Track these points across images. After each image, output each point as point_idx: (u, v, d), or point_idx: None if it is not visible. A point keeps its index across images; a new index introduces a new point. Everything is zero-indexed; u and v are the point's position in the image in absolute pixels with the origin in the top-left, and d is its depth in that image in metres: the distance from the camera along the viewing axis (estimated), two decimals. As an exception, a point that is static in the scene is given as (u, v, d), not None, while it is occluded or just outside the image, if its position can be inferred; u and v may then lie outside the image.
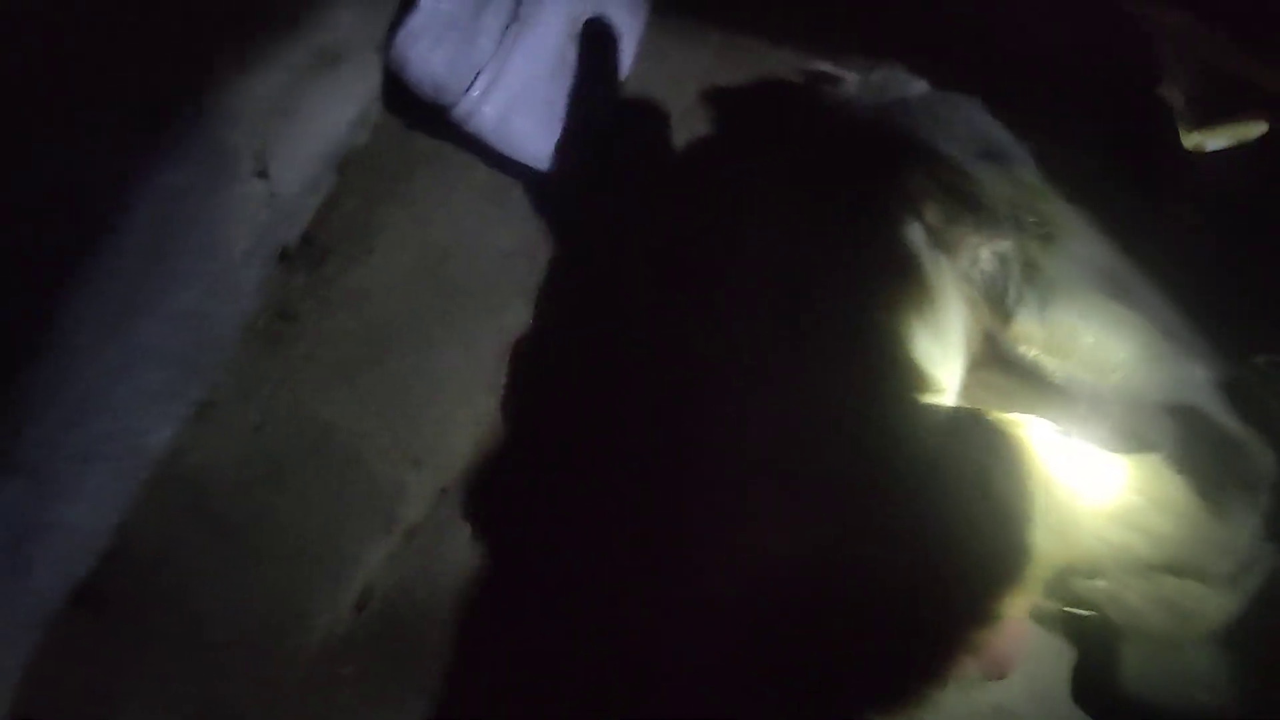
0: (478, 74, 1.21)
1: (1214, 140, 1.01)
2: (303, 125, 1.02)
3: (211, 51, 0.79)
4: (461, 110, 1.20)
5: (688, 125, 1.40)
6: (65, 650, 0.85)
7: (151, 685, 0.86)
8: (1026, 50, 1.46)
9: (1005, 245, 1.06)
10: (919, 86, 1.28)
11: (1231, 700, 1.00)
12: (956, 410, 0.98)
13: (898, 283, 1.00)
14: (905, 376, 0.97)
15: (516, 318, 1.15)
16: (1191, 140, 0.98)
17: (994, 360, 1.10)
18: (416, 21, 1.19)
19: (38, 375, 0.72)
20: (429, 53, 1.20)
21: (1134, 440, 1.11)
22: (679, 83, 1.45)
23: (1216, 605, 1.04)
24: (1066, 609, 1.07)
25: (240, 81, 0.85)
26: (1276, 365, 1.24)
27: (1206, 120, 1.01)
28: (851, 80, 1.29)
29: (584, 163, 1.29)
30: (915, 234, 1.04)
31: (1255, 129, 1.04)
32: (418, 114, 1.23)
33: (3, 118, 0.60)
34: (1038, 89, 1.43)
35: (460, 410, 1.07)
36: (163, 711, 0.85)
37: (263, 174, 0.93)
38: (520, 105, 1.24)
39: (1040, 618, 1.08)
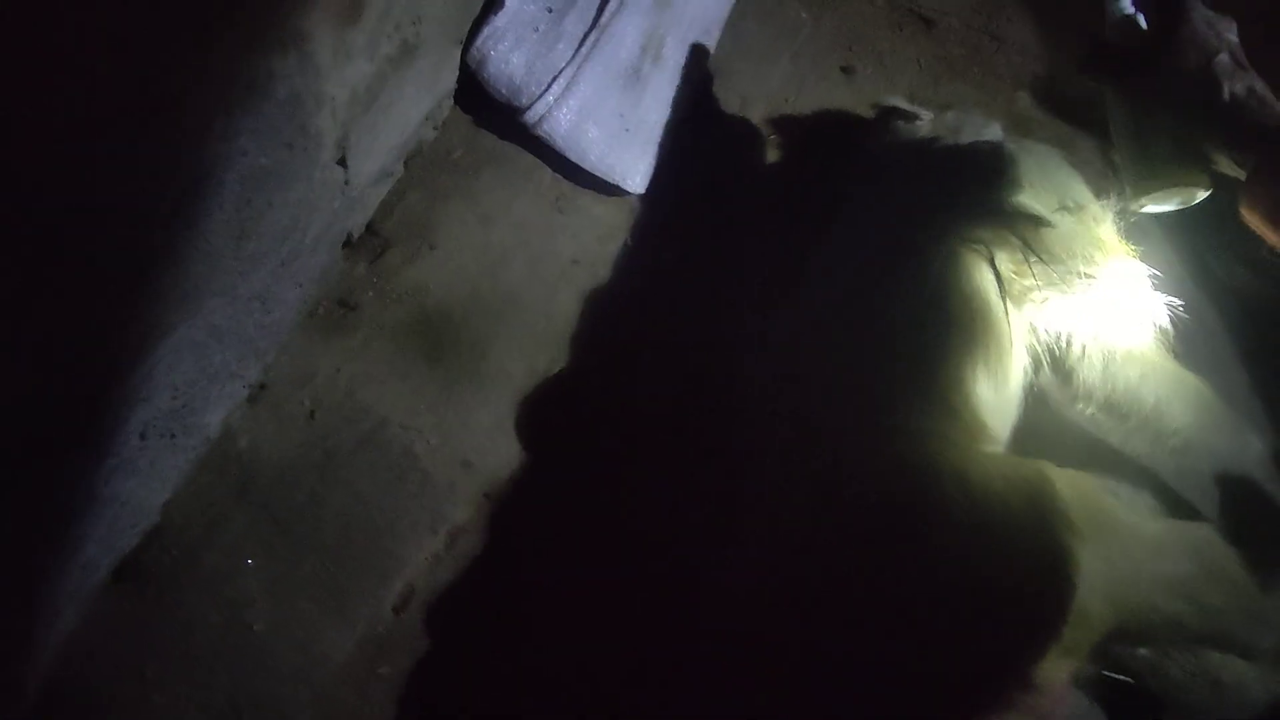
0: (554, 79, 1.21)
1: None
2: (382, 116, 1.01)
3: (305, 35, 0.78)
4: (534, 114, 1.20)
5: (757, 147, 1.40)
6: (104, 624, 0.83)
7: (185, 666, 0.84)
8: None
9: (1062, 291, 1.05)
10: (994, 130, 1.28)
11: (1268, 781, 0.98)
12: (1010, 459, 0.97)
13: (965, 327, 0.99)
14: (960, 421, 0.96)
15: (573, 327, 1.15)
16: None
17: (1051, 415, 1.10)
18: (500, 20, 1.19)
19: (110, 347, 0.71)
20: (509, 53, 1.19)
21: (1178, 505, 1.10)
22: (748, 104, 1.45)
23: (1260, 684, 1.03)
24: (1105, 674, 1.05)
25: (332, 68, 0.85)
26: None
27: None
28: (926, 118, 1.28)
29: (650, 177, 1.29)
30: (987, 280, 1.03)
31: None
32: (489, 114, 1.23)
33: (98, 84, 0.59)
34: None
35: (511, 416, 1.06)
36: (194, 692, 0.84)
37: (342, 162, 0.92)
38: (592, 114, 1.24)
39: (1077, 680, 1.07)
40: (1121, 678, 1.04)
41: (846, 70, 1.51)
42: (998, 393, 1.03)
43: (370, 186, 1.06)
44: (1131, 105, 1.01)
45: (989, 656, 0.87)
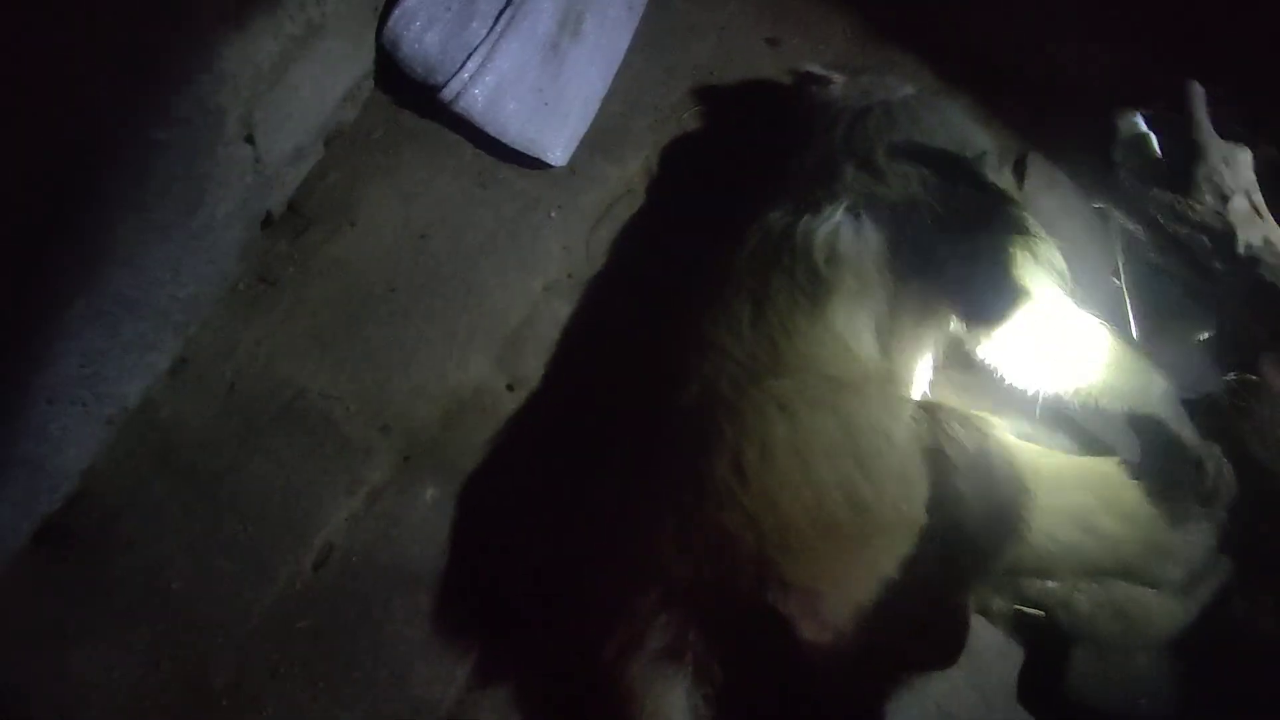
0: (469, 55, 1.24)
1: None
2: (292, 95, 1.04)
3: (201, 11, 0.81)
4: (451, 91, 1.23)
5: (677, 119, 1.43)
6: (24, 584, 0.87)
7: (106, 623, 0.88)
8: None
9: (973, 247, 1.08)
10: (904, 90, 1.30)
11: (1175, 709, 1.01)
12: (922, 402, 1.00)
13: (866, 283, 1.01)
14: (869, 373, 0.99)
15: (493, 298, 1.18)
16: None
17: (961, 361, 1.13)
18: (412, 1, 1.22)
19: (9, 316, 0.74)
20: (422, 32, 1.23)
21: (1091, 443, 1.13)
22: (673, 75, 1.47)
23: (1167, 614, 1.06)
24: (1017, 609, 1.08)
25: (229, 45, 0.88)
26: (1246, 385, 1.25)
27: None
28: (839, 82, 1.31)
29: (570, 152, 1.31)
30: (885, 234, 1.06)
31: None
32: (408, 93, 1.26)
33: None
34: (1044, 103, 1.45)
35: (432, 382, 1.09)
36: (114, 649, 0.87)
37: (249, 139, 0.96)
38: (510, 88, 1.27)
39: (991, 616, 1.09)
40: (1033, 611, 1.07)
41: (772, 41, 1.54)
42: (905, 341, 1.06)
43: (287, 166, 1.09)
44: (1142, 238, 0.96)
45: (899, 587, 0.89)
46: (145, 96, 0.78)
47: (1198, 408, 1.27)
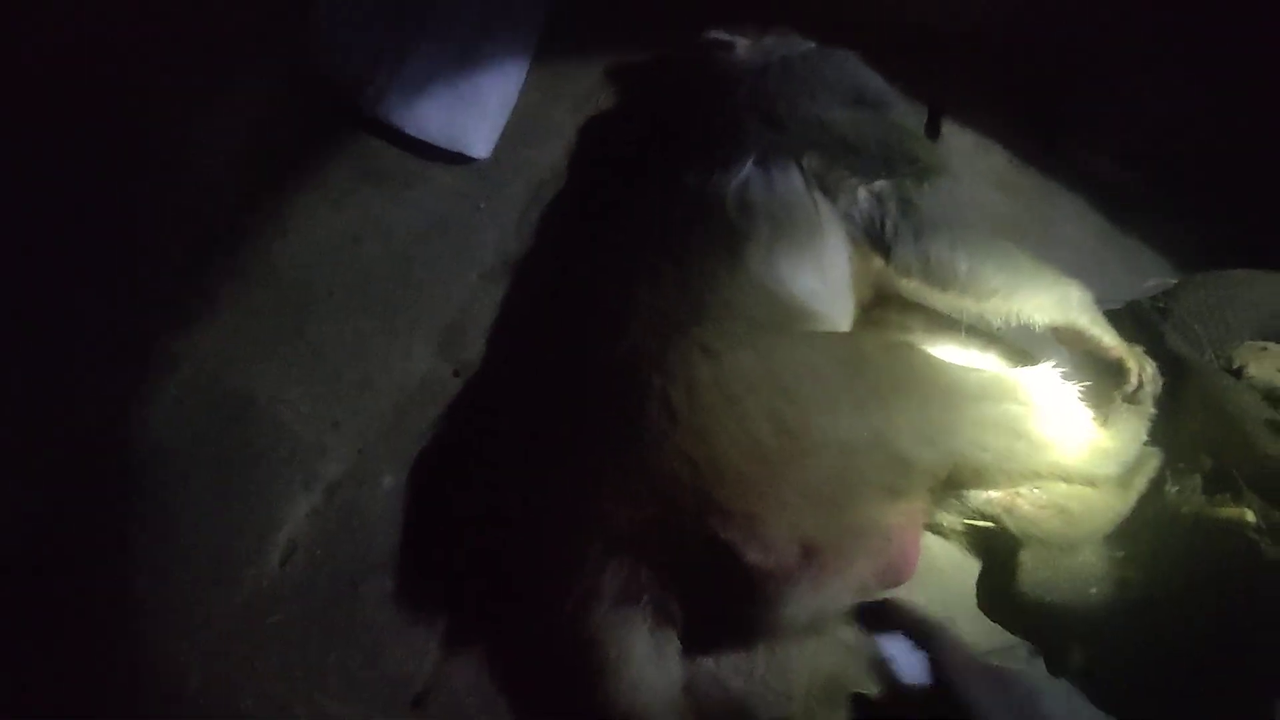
0: (382, 60, 1.28)
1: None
2: (218, 118, 1.07)
3: (120, 44, 0.83)
4: (367, 96, 1.26)
5: (595, 100, 1.46)
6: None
7: (68, 645, 0.89)
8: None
9: (881, 185, 1.13)
10: (805, 45, 1.35)
11: (1119, 592, 1.05)
12: (853, 334, 1.03)
13: (779, 229, 1.05)
14: (790, 313, 1.03)
15: (431, 291, 1.21)
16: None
17: (885, 294, 1.17)
18: (321, 13, 1.25)
19: None
20: (334, 42, 1.26)
21: (1017, 355, 1.18)
22: (589, 58, 1.51)
23: (1105, 507, 1.10)
24: (966, 522, 1.12)
25: (154, 73, 0.90)
26: (1165, 290, 1.31)
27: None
28: (742, 45, 1.35)
29: (492, 144, 1.34)
30: (794, 181, 1.10)
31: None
32: (327, 101, 1.29)
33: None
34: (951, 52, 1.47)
35: (379, 376, 1.12)
36: (78, 666, 0.89)
37: (181, 162, 0.98)
38: (427, 87, 1.30)
39: (944, 533, 1.14)
40: (982, 523, 1.11)
41: (684, 16, 1.57)
42: (823, 281, 1.10)
43: (219, 185, 1.11)
44: None
45: (835, 515, 0.93)
46: (72, 131, 0.80)
47: (1121, 314, 1.33)
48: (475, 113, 1.32)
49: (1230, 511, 1.00)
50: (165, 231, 1.03)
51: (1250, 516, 0.98)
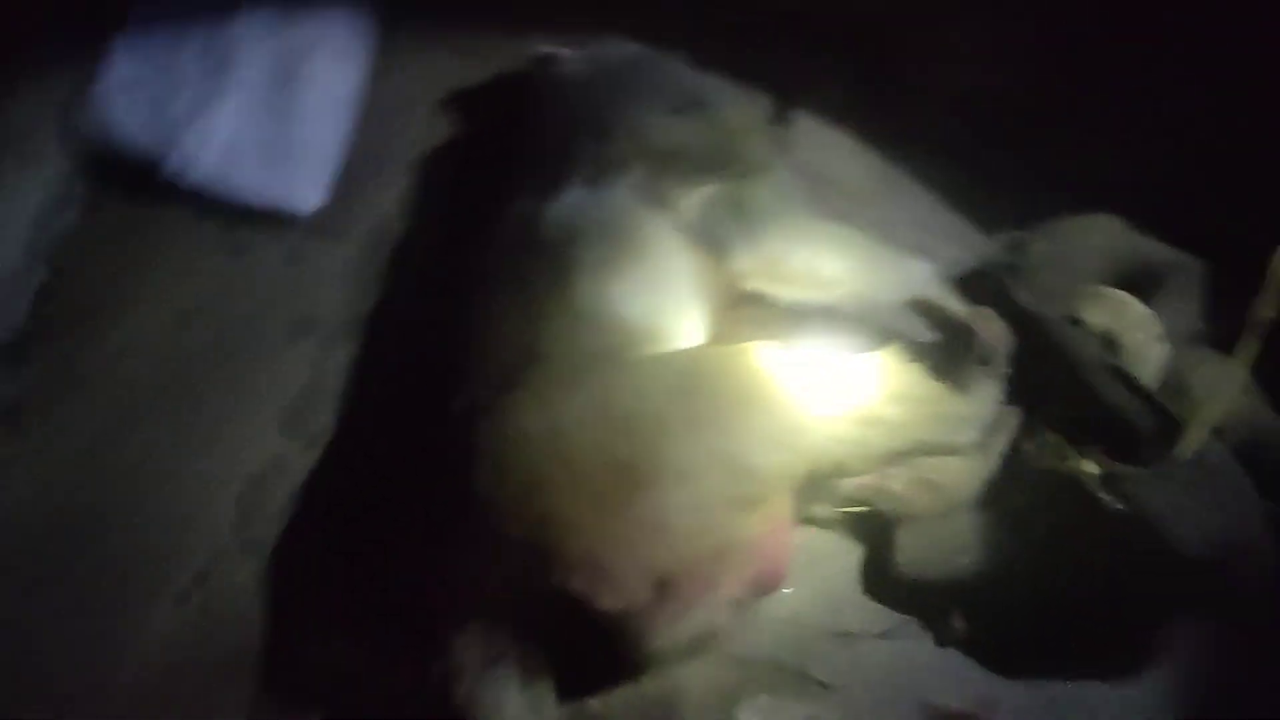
0: (188, 126, 1.21)
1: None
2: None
3: None
4: (175, 166, 1.20)
5: (432, 130, 1.41)
6: None
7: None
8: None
9: (711, 189, 1.12)
10: (632, 50, 1.32)
11: (988, 556, 1.08)
12: (684, 351, 1.02)
13: (609, 250, 1.03)
14: (630, 336, 1.01)
15: (272, 363, 1.17)
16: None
17: (734, 299, 1.16)
18: (109, 86, 1.18)
19: None
20: (127, 115, 1.19)
21: (864, 341, 1.19)
22: (423, 88, 1.45)
23: (969, 473, 1.12)
24: (842, 510, 1.14)
25: None
26: (1017, 244, 1.33)
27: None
28: (568, 56, 1.32)
29: (321, 196, 1.29)
30: (621, 197, 1.08)
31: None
32: (132, 179, 1.22)
33: None
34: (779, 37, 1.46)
35: (224, 466, 1.08)
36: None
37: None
38: (238, 150, 1.24)
39: (820, 524, 1.15)
40: (855, 509, 1.12)
41: (518, 32, 1.53)
42: (665, 294, 1.09)
43: (11, 291, 1.05)
44: None
45: (700, 532, 0.92)
46: None
47: (974, 275, 1.36)
48: (298, 166, 1.27)
49: (1074, 465, 1.03)
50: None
51: (1092, 468, 1.01)
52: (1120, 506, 0.96)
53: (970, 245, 1.37)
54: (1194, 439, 0.99)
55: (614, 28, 1.50)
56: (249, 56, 1.28)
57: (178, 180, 1.20)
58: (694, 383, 0.93)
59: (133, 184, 1.22)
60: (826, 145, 1.54)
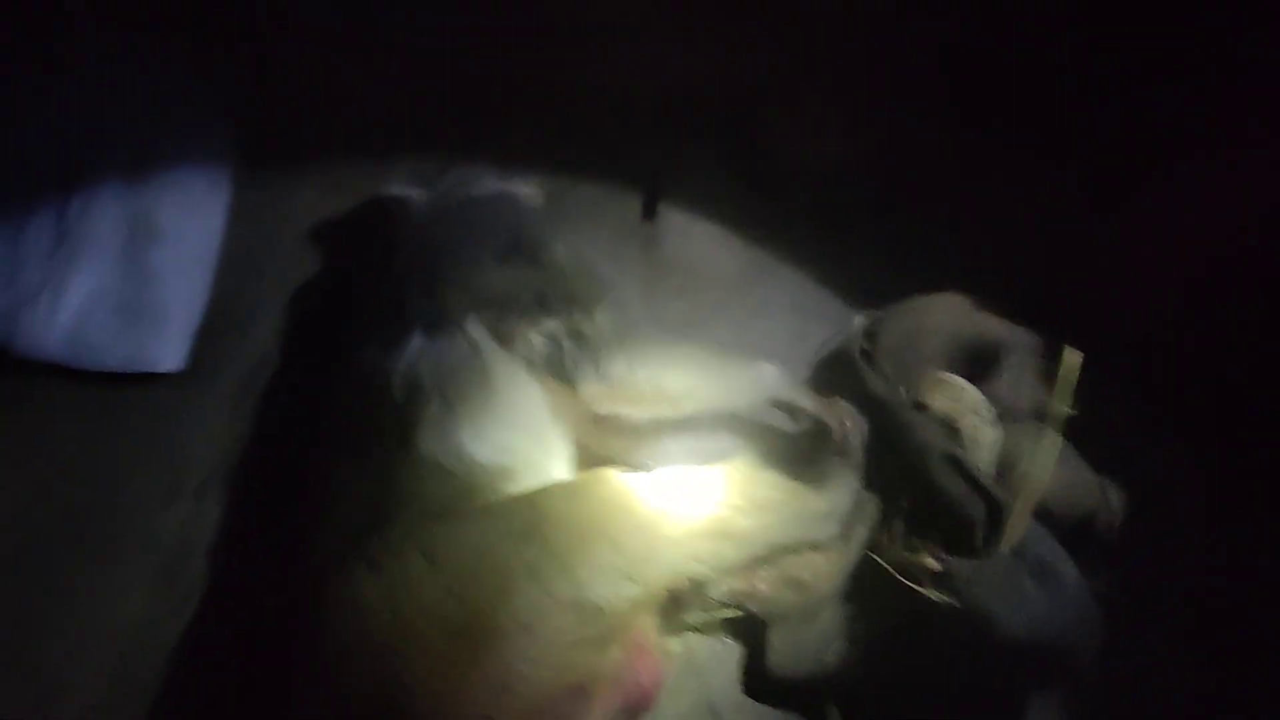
0: (34, 299, 1.21)
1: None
2: None
3: None
4: (25, 342, 1.20)
5: (296, 270, 1.43)
6: None
7: None
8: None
9: (551, 325, 1.16)
10: (481, 187, 1.36)
11: (851, 648, 1.11)
12: (525, 495, 1.04)
13: (452, 398, 1.06)
14: (480, 483, 1.04)
15: (142, 526, 1.16)
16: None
17: (598, 428, 1.19)
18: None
19: None
20: (-30, 294, 1.19)
21: (714, 453, 1.23)
22: (284, 228, 1.47)
23: (832, 567, 1.16)
24: (715, 615, 1.16)
25: None
26: (871, 323, 1.39)
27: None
28: (416, 196, 1.36)
29: (184, 352, 1.29)
30: (460, 344, 1.12)
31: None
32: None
33: None
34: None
35: (95, 641, 1.07)
36: None
37: None
38: (92, 316, 1.24)
39: (699, 630, 1.18)
40: (728, 612, 1.15)
41: (379, 164, 1.56)
42: (521, 432, 1.11)
43: None
44: None
45: (565, 662, 0.93)
46: None
47: (831, 359, 1.42)
48: (157, 325, 1.27)
49: (917, 558, 1.07)
50: None
51: (930, 563, 1.06)
52: (953, 602, 1.01)
53: (841, 323, 1.44)
54: (1017, 526, 1.05)
55: (476, 138, 1.58)
56: (99, 221, 1.28)
57: (30, 354, 1.20)
58: (535, 526, 0.95)
59: (-16, 365, 1.21)
60: (695, 235, 1.61)
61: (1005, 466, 1.15)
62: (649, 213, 1.63)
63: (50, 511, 1.17)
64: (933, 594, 1.01)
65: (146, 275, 1.29)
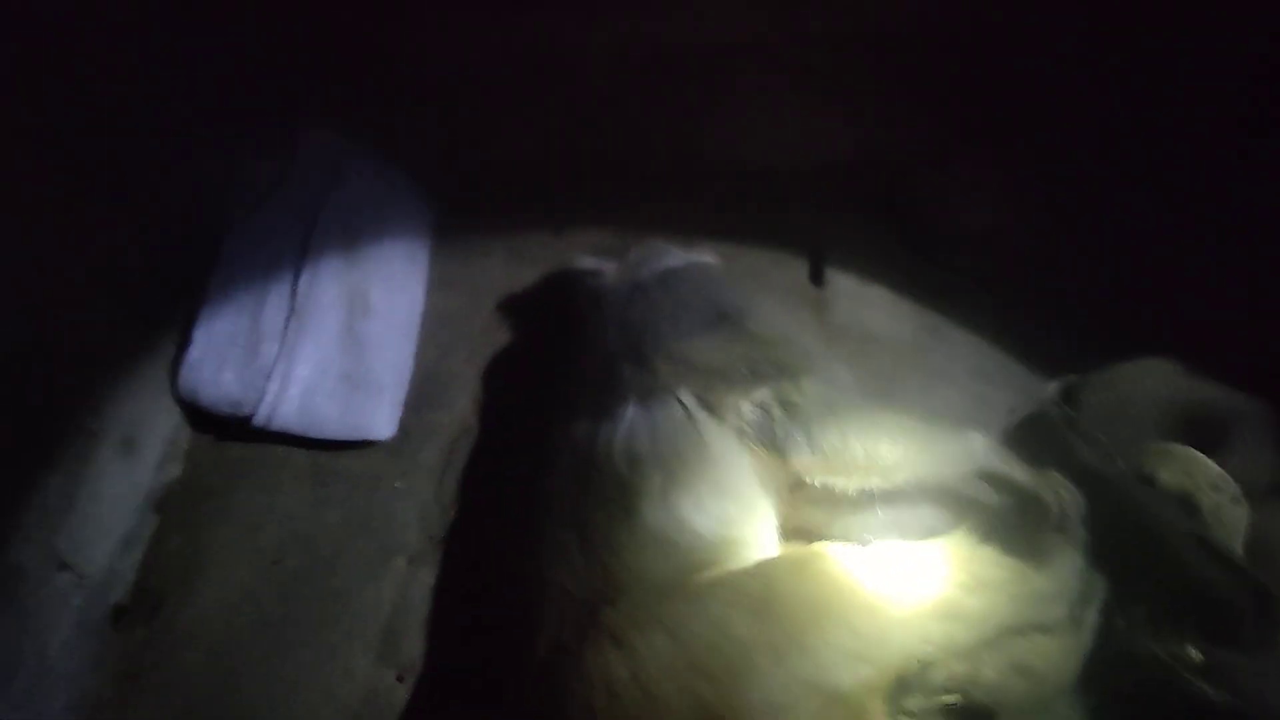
0: (269, 377, 1.30)
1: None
2: (95, 500, 1.06)
3: None
4: (262, 416, 1.29)
5: (489, 341, 1.50)
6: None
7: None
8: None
9: (761, 394, 1.15)
10: (670, 258, 1.39)
11: (1102, 744, 1.03)
12: (757, 569, 1.03)
13: (672, 470, 1.06)
14: (703, 553, 1.03)
15: (360, 593, 1.21)
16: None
17: (800, 497, 1.17)
18: (194, 353, 1.29)
19: None
20: (215, 375, 1.29)
21: (933, 523, 1.18)
22: (476, 301, 1.55)
23: (1065, 652, 1.08)
24: (936, 701, 1.10)
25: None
26: (1068, 389, 1.33)
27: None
28: (609, 269, 1.40)
29: (396, 420, 1.36)
30: (675, 415, 1.13)
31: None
32: (225, 428, 1.32)
33: None
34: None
35: (321, 704, 1.10)
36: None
37: (63, 566, 0.99)
38: (318, 388, 1.32)
39: (915, 717, 1.11)
40: (949, 699, 1.09)
41: (557, 236, 1.63)
42: (733, 502, 1.11)
43: (119, 558, 1.12)
44: None
45: None
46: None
47: (1029, 426, 1.35)
48: (373, 396, 1.35)
49: (1173, 649, 0.99)
50: (59, 637, 1.01)
51: (1193, 655, 0.97)
52: (1226, 698, 0.92)
53: (1025, 390, 1.38)
54: (1294, 616, 0.96)
55: (647, 215, 1.63)
56: (322, 298, 1.38)
57: (266, 427, 1.29)
58: (770, 602, 0.94)
59: (230, 431, 1.31)
60: (863, 300, 1.59)
61: (1260, 549, 1.06)
62: (817, 278, 1.63)
63: (273, 586, 1.22)
64: (1209, 690, 0.92)
65: (362, 347, 1.38)
